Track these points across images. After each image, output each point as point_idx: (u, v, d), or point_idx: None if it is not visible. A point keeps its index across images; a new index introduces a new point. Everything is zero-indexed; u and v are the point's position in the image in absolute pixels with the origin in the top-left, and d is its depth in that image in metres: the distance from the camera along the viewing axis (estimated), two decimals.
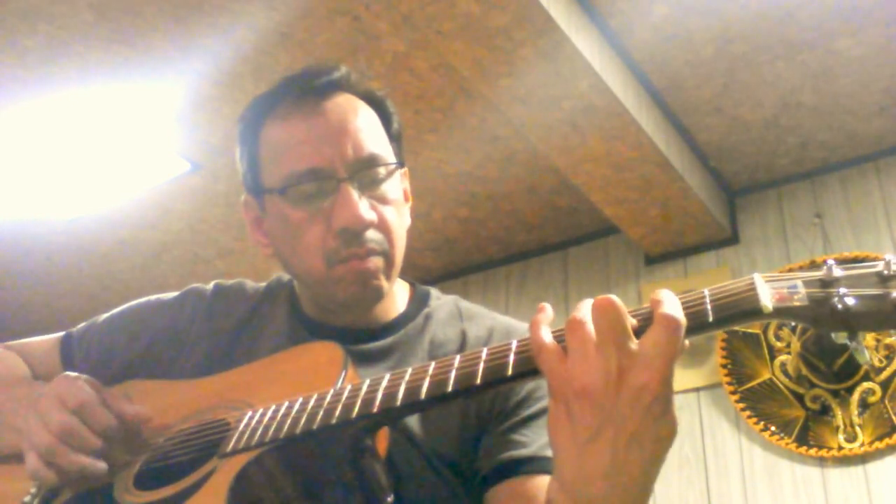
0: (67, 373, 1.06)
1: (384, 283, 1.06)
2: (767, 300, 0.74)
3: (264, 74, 2.93)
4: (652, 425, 0.73)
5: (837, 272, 0.74)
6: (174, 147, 3.33)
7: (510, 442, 1.01)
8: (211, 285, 1.23)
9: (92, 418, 0.98)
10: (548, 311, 0.81)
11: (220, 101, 3.08)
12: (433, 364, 0.85)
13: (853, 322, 0.72)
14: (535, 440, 1.01)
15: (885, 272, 0.73)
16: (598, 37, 2.72)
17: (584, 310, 0.77)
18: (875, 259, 3.10)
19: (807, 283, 0.75)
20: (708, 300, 0.76)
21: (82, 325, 1.25)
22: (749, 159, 3.38)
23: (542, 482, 0.97)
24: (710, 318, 0.75)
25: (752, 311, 0.74)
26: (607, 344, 0.73)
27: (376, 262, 1.05)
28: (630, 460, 0.73)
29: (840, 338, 0.74)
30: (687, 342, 0.75)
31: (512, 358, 0.80)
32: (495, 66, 2.60)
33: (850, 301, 0.72)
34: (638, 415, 0.72)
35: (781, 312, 0.74)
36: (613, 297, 0.75)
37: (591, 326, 0.75)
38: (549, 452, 0.99)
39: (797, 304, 0.74)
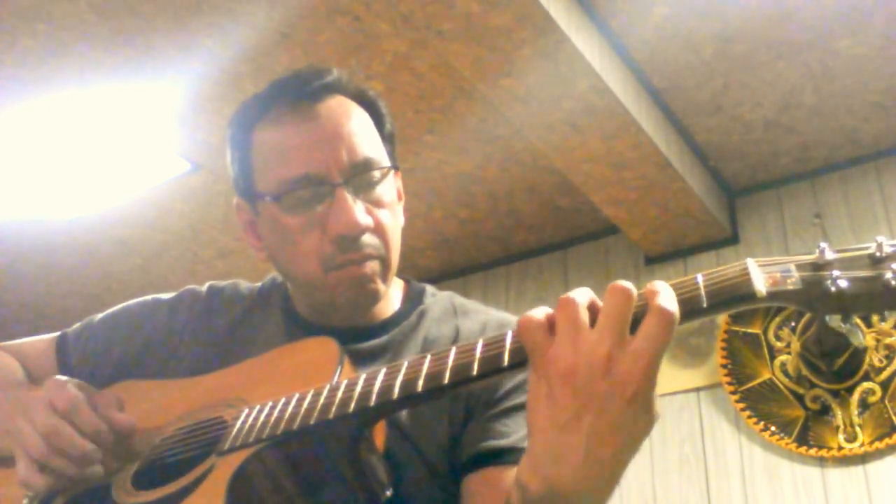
0: (57, 376, 1.05)
1: (381, 286, 1.07)
2: (761, 285, 0.74)
3: (264, 74, 2.93)
4: (631, 418, 0.72)
5: (830, 255, 0.74)
6: (174, 147, 3.33)
7: (491, 431, 1.01)
8: (206, 286, 1.23)
9: (80, 421, 0.97)
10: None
11: (220, 101, 3.08)
12: (429, 356, 0.85)
13: (847, 304, 0.72)
14: (515, 431, 1.01)
15: (878, 254, 0.73)
16: (598, 37, 2.72)
17: (581, 291, 0.76)
18: None
19: (800, 267, 0.75)
20: (702, 286, 0.76)
21: (77, 325, 1.25)
22: (749, 159, 3.38)
23: (512, 473, 0.96)
24: (705, 304, 0.75)
25: (746, 295, 0.74)
26: (606, 330, 0.72)
27: (373, 266, 1.05)
28: (604, 448, 0.73)
29: (834, 320, 0.74)
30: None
31: (508, 348, 0.80)
32: (495, 66, 2.60)
33: (843, 283, 0.72)
34: (619, 405, 0.72)
35: (775, 296, 0.74)
36: (630, 286, 0.73)
37: (583, 309, 0.74)
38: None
39: (791, 287, 0.74)
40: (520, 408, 1.02)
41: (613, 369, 0.71)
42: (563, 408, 0.73)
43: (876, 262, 0.72)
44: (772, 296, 0.74)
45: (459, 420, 1.03)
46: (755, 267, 0.75)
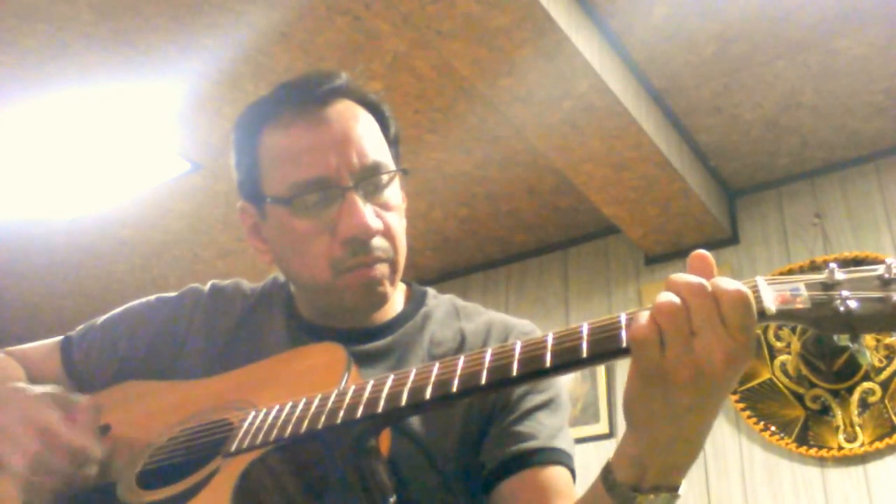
0: (33, 389, 1.03)
1: (388, 288, 1.07)
2: (771, 302, 0.74)
3: (264, 74, 2.93)
4: (730, 390, 0.77)
5: (839, 275, 0.74)
6: (174, 147, 3.33)
7: (517, 434, 1.02)
8: (208, 285, 1.23)
9: (55, 442, 0.95)
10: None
11: (220, 101, 3.08)
12: (437, 364, 0.85)
13: (855, 324, 0.73)
14: (541, 431, 1.02)
15: (887, 275, 0.73)
16: (598, 37, 2.72)
17: (673, 295, 0.75)
18: (875, 259, 3.07)
19: (809, 286, 0.75)
20: None
21: (81, 327, 1.24)
22: (749, 159, 3.38)
23: (553, 472, 1.00)
24: None
25: (756, 312, 0.74)
26: (739, 330, 0.73)
27: (382, 269, 1.05)
28: (712, 419, 0.78)
29: (842, 340, 0.74)
30: None
31: (517, 359, 0.80)
32: (495, 66, 2.60)
33: (853, 304, 0.72)
34: (731, 386, 0.75)
35: (784, 315, 0.74)
36: (745, 289, 0.73)
37: (685, 313, 0.74)
38: (556, 443, 1.02)
39: (800, 306, 0.74)
40: (539, 408, 1.04)
41: (736, 363, 0.73)
42: (683, 404, 0.75)
43: (885, 283, 0.73)
44: (780, 314, 0.74)
45: (474, 425, 1.04)
46: (765, 284, 0.76)
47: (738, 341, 0.73)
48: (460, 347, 1.09)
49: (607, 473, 0.82)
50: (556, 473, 1.00)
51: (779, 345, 3.16)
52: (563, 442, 1.04)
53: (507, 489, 1.00)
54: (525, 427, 1.02)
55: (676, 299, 0.74)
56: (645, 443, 0.79)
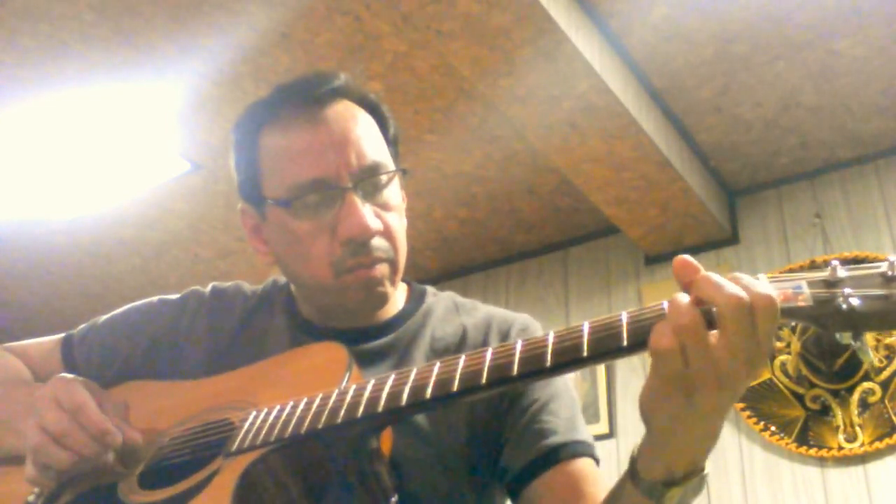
0: (63, 374, 1.05)
1: (389, 288, 1.07)
2: None
3: (264, 74, 2.93)
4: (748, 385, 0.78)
5: (842, 273, 0.73)
6: (174, 147, 3.33)
7: (538, 432, 1.03)
8: (209, 287, 1.23)
9: (86, 421, 0.96)
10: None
11: (220, 101, 3.08)
12: (438, 363, 0.85)
13: (858, 322, 0.72)
14: (559, 424, 1.04)
15: (890, 273, 0.72)
16: (598, 37, 2.72)
17: (756, 289, 0.74)
18: (875, 259, 3.06)
19: (811, 284, 0.74)
20: None
21: (83, 326, 1.25)
22: (749, 159, 3.38)
23: (580, 465, 1.02)
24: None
25: None
26: (768, 337, 0.73)
27: (382, 269, 1.06)
28: (729, 411, 0.79)
29: (844, 338, 0.73)
30: None
31: (517, 357, 0.80)
32: (495, 66, 2.60)
33: (855, 301, 0.72)
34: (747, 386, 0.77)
35: (786, 313, 0.74)
36: (776, 295, 0.73)
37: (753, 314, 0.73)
38: (577, 435, 1.04)
39: (802, 304, 0.73)
40: (552, 399, 1.06)
41: (759, 365, 0.75)
42: (706, 408, 0.76)
43: (888, 280, 0.72)
44: (783, 312, 0.73)
45: (481, 419, 1.04)
46: (767, 282, 0.75)
47: (764, 347, 0.73)
48: (462, 342, 1.10)
49: (634, 473, 0.83)
50: (583, 465, 1.02)
51: (779, 345, 3.16)
52: (583, 432, 1.06)
53: (537, 489, 1.01)
54: (542, 423, 1.03)
55: (697, 313, 0.73)
56: (669, 444, 0.80)
